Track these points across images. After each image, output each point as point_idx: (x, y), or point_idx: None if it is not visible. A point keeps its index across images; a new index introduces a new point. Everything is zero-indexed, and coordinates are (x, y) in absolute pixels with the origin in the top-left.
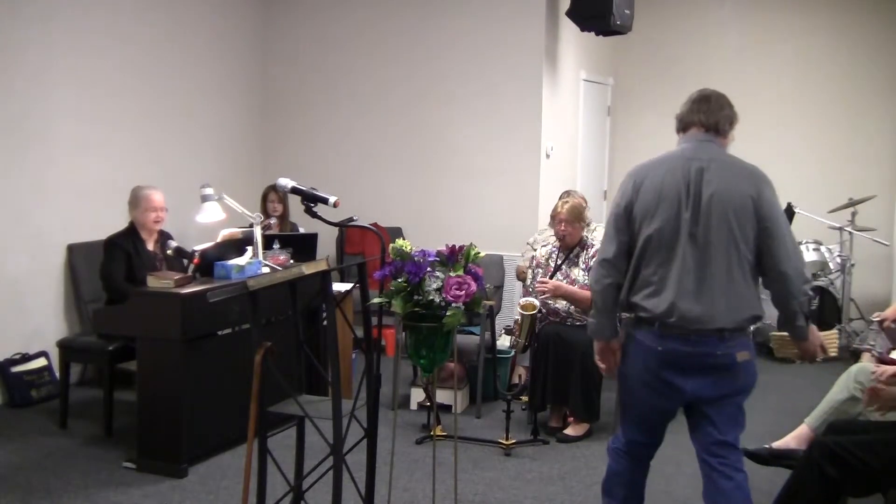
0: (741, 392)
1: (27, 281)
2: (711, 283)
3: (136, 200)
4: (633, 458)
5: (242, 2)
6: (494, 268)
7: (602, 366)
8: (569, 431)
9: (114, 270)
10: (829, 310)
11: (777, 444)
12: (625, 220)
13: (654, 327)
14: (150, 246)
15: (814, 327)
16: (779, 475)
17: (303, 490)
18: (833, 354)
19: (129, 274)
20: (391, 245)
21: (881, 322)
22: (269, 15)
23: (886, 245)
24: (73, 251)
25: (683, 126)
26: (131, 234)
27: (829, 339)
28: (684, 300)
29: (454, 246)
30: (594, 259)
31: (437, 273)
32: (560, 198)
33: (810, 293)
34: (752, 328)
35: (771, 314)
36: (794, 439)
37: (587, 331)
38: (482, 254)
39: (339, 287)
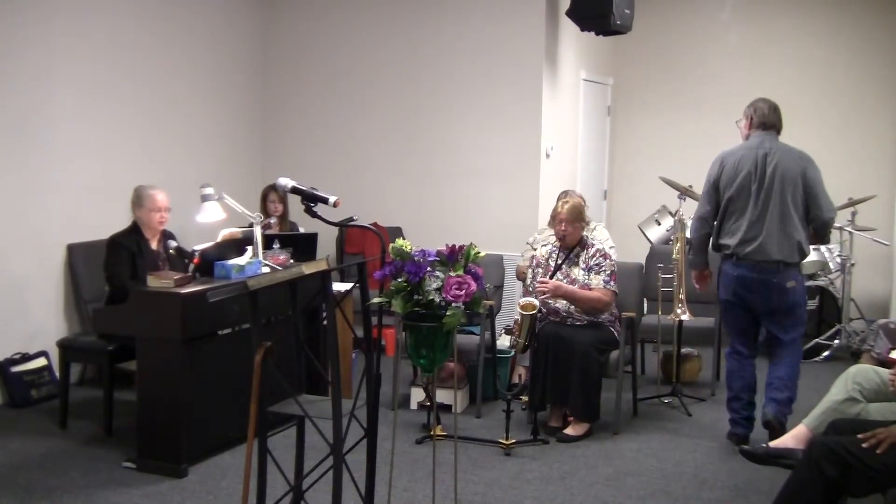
0: (793, 306)
1: (27, 281)
2: (771, 230)
3: (140, 200)
4: (740, 357)
5: (243, 2)
6: (494, 268)
7: (698, 286)
8: (569, 431)
9: (120, 271)
10: (829, 309)
11: (774, 444)
12: (714, 189)
13: (732, 259)
14: (154, 245)
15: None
16: (779, 475)
17: (303, 490)
18: None
19: (132, 273)
20: (391, 245)
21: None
22: (269, 15)
23: (886, 245)
24: (73, 251)
25: (760, 124)
26: (135, 233)
27: None
28: (752, 241)
29: (454, 246)
30: (692, 216)
31: (437, 273)
32: (559, 198)
33: (834, 219)
34: (801, 261)
35: None
36: (791, 439)
37: (688, 265)
38: (482, 254)
39: (339, 287)
